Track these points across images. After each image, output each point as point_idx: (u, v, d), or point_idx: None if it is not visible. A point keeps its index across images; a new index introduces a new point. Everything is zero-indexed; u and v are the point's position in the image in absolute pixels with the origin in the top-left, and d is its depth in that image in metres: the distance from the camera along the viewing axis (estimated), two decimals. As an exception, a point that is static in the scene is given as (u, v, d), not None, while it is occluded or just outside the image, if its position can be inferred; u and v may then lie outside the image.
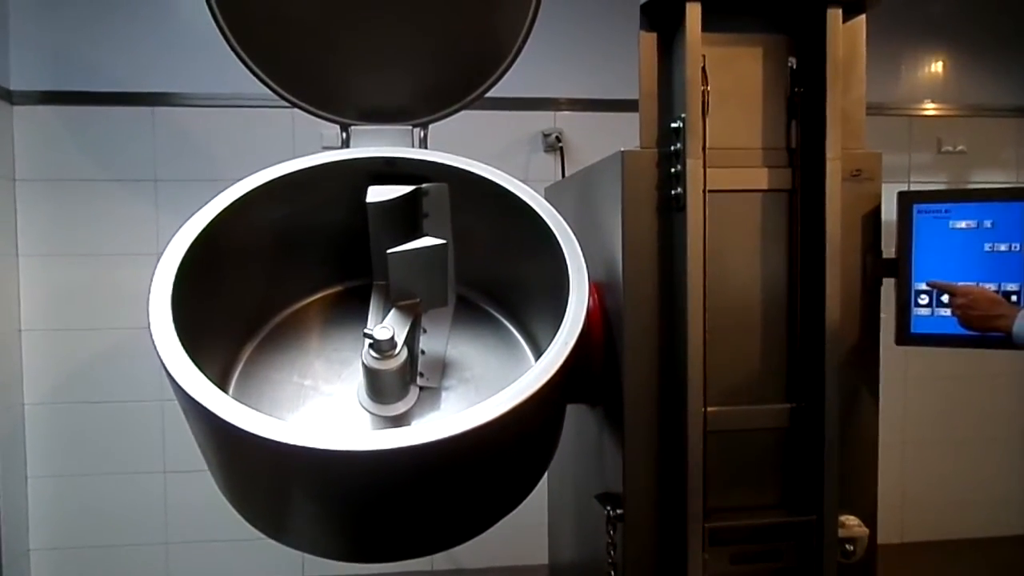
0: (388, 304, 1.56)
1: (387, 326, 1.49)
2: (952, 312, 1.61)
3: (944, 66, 3.56)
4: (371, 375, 1.51)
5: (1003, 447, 3.64)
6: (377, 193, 1.55)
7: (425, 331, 1.61)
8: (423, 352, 1.60)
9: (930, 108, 3.54)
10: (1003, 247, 1.60)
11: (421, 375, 1.58)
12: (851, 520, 1.64)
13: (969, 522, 3.60)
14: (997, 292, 1.60)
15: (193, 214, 1.52)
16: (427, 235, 1.53)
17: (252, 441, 1.22)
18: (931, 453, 3.57)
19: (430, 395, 1.60)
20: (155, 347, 1.31)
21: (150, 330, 1.33)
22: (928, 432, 3.57)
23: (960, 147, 3.53)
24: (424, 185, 1.57)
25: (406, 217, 1.56)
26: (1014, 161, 3.61)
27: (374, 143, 1.82)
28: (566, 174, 3.11)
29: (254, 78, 1.82)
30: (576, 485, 2.05)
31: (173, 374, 1.28)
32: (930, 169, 3.54)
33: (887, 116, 3.44)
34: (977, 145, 3.55)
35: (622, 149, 1.60)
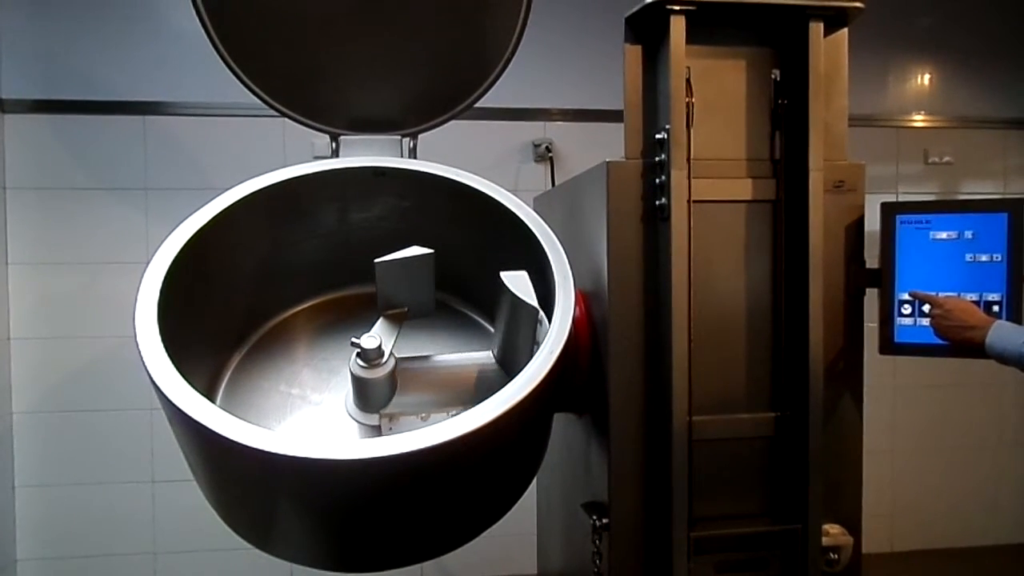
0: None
1: (374, 335, 1.50)
2: (929, 323, 1.63)
3: (931, 78, 3.59)
4: (358, 384, 1.52)
5: (992, 455, 3.65)
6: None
7: None
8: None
9: (917, 119, 3.56)
10: (984, 258, 1.62)
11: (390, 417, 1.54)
12: (835, 529, 1.65)
13: (959, 531, 3.60)
14: (978, 303, 1.61)
15: (182, 222, 1.52)
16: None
17: (238, 450, 1.22)
18: (920, 462, 3.58)
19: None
20: (141, 356, 1.32)
21: (136, 339, 1.33)
22: (917, 441, 3.58)
23: (947, 158, 3.56)
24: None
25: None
26: (1000, 172, 3.64)
27: (364, 153, 1.83)
28: (556, 184, 3.13)
29: (244, 88, 1.83)
30: (563, 494, 2.05)
31: (158, 383, 1.28)
32: (917, 180, 3.56)
33: (875, 127, 3.46)
34: (964, 156, 3.58)
35: (607, 160, 1.62)
